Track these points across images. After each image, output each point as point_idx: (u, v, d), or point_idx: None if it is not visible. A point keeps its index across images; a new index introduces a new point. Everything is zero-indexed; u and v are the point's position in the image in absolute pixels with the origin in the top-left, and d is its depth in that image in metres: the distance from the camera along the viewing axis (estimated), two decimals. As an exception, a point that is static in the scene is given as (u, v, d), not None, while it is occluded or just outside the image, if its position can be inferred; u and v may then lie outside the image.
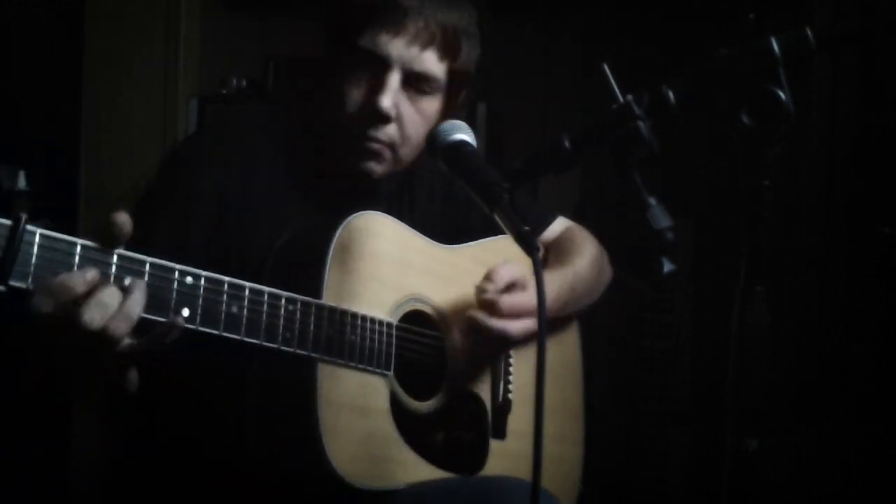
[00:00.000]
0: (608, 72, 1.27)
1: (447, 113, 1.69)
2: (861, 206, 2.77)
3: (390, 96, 1.59)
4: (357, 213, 1.58)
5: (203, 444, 1.59)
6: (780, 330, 2.65)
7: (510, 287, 1.67)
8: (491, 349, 1.74)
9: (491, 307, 1.64)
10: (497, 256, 1.82)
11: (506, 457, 1.75)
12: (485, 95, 3.37)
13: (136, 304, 1.27)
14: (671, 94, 1.25)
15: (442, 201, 1.85)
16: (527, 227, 1.32)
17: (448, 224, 1.83)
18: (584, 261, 1.90)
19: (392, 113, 1.61)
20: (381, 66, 1.60)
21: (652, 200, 1.23)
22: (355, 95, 1.62)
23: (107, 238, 1.27)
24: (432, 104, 1.66)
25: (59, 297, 1.22)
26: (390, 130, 1.63)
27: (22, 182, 3.44)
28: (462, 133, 1.50)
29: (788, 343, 2.78)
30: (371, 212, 1.62)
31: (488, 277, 1.66)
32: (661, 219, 1.22)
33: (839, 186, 2.82)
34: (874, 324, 2.68)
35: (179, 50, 3.39)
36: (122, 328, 1.25)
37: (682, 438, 3.34)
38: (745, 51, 1.21)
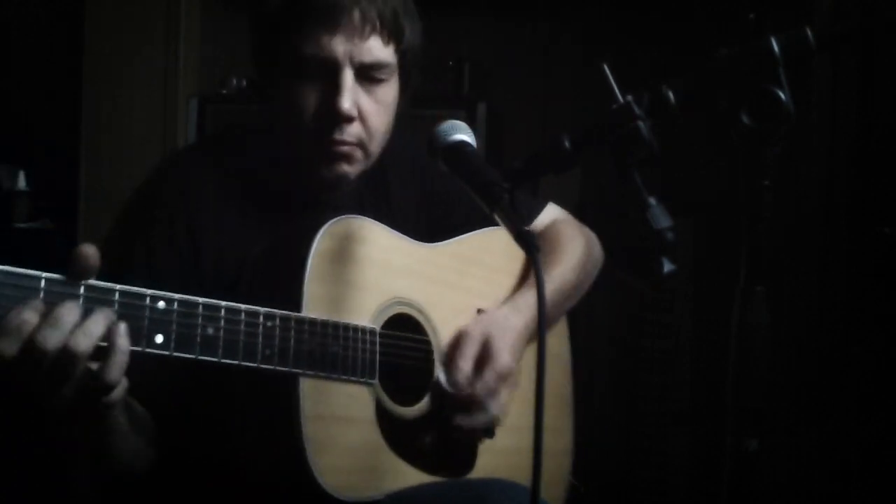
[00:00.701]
0: (608, 72, 1.26)
1: (404, 95, 1.67)
2: (861, 206, 2.77)
3: (348, 96, 1.56)
4: (335, 219, 1.55)
5: (190, 459, 1.57)
6: (780, 330, 2.65)
7: (477, 364, 1.64)
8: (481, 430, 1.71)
9: (470, 401, 1.62)
10: (478, 251, 1.81)
11: (496, 454, 1.74)
12: (485, 95, 3.38)
13: (98, 323, 1.21)
14: (671, 94, 1.25)
15: (418, 200, 1.83)
16: (527, 228, 1.32)
17: (427, 222, 1.82)
18: (568, 264, 1.87)
19: (353, 112, 1.57)
20: (331, 67, 1.56)
21: (652, 200, 1.23)
22: (312, 102, 1.57)
23: (74, 272, 1.22)
24: (389, 91, 1.62)
25: (19, 334, 1.17)
26: (355, 129, 1.59)
27: (22, 182, 3.45)
28: (462, 133, 1.50)
29: (788, 343, 2.78)
30: (349, 216, 1.59)
31: (455, 367, 1.62)
32: (661, 219, 1.22)
33: (839, 186, 2.82)
34: (874, 324, 2.68)
35: (179, 50, 3.39)
36: (82, 344, 1.20)
37: (682, 438, 3.34)
38: (745, 51, 1.21)
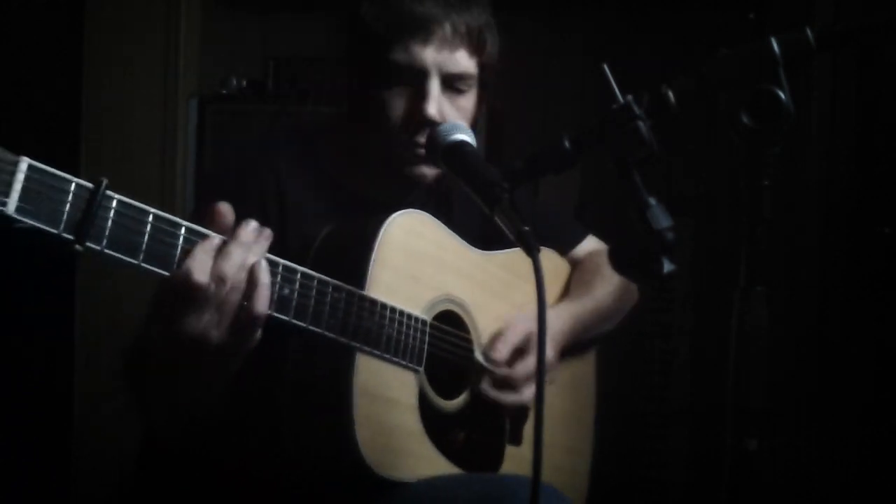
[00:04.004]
0: (608, 72, 1.27)
1: (481, 105, 1.76)
2: (861, 206, 2.77)
3: (434, 103, 1.64)
4: (401, 212, 1.63)
5: (237, 426, 1.61)
6: (780, 330, 2.65)
7: (517, 352, 1.72)
8: (511, 413, 1.78)
9: (506, 383, 1.71)
10: (526, 266, 1.83)
11: (520, 462, 1.79)
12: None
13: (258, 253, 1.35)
14: (671, 94, 1.25)
15: (480, 222, 1.86)
16: (526, 228, 1.33)
17: (485, 230, 1.85)
18: (606, 289, 1.94)
19: (439, 118, 1.65)
20: (419, 75, 1.64)
21: (652, 200, 1.23)
22: (399, 107, 1.66)
23: (214, 227, 1.34)
24: (470, 100, 1.71)
25: (207, 262, 1.30)
26: None
27: (22, 182, 3.44)
28: (462, 133, 1.52)
29: (788, 343, 2.78)
30: (414, 210, 1.66)
31: (494, 349, 1.71)
32: (661, 219, 1.22)
33: (839, 186, 2.82)
34: (874, 324, 2.68)
35: (179, 50, 3.39)
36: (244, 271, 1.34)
37: (682, 438, 3.34)
38: (745, 51, 1.21)
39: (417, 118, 1.65)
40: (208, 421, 1.52)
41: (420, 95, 1.65)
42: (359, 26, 1.69)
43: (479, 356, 1.71)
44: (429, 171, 1.70)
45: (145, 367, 1.46)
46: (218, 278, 1.30)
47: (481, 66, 1.71)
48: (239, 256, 1.32)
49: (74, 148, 3.39)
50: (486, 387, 1.71)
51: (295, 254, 1.56)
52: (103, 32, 3.37)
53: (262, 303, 1.34)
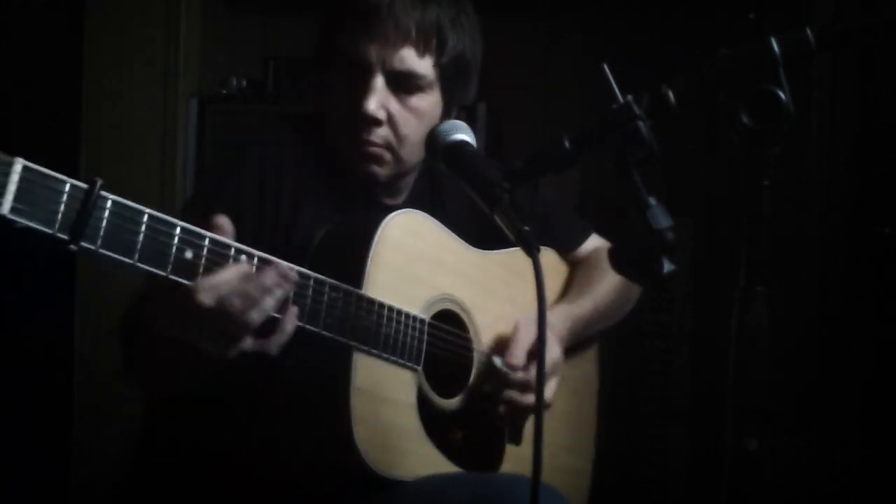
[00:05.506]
0: (608, 72, 1.27)
1: (449, 107, 1.72)
2: (861, 206, 2.76)
3: (374, 99, 1.61)
4: (399, 211, 1.62)
5: (235, 423, 1.61)
6: (780, 330, 2.65)
7: (531, 355, 1.71)
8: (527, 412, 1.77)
9: (525, 386, 1.69)
10: (524, 265, 1.83)
11: (520, 461, 1.78)
12: (485, 95, 3.37)
13: (276, 300, 1.39)
14: (671, 94, 1.25)
15: (474, 220, 1.85)
16: (526, 228, 1.33)
17: (481, 228, 1.84)
18: (606, 287, 1.92)
19: (379, 115, 1.62)
20: (364, 69, 1.62)
21: (652, 200, 1.23)
22: (343, 101, 1.64)
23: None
24: (424, 101, 1.66)
25: (221, 290, 1.31)
26: (383, 132, 1.64)
27: (22, 182, 3.44)
28: (462, 133, 1.51)
29: (788, 343, 2.78)
30: (413, 210, 1.66)
31: (511, 354, 1.69)
32: (661, 219, 1.22)
33: (839, 186, 2.82)
34: (874, 324, 2.68)
35: (179, 50, 3.39)
36: (257, 316, 1.36)
37: (682, 438, 3.34)
38: (745, 51, 1.21)
39: (359, 114, 1.62)
40: (203, 380, 1.52)
41: (363, 91, 1.62)
42: (320, 17, 1.69)
43: (497, 361, 1.71)
44: (380, 171, 1.67)
45: (137, 334, 1.48)
46: (251, 301, 1.34)
47: (440, 67, 1.65)
48: (280, 295, 1.37)
49: (74, 148, 3.39)
50: (506, 394, 1.69)
51: (293, 250, 1.55)
52: (103, 32, 3.37)
53: (276, 346, 1.41)
